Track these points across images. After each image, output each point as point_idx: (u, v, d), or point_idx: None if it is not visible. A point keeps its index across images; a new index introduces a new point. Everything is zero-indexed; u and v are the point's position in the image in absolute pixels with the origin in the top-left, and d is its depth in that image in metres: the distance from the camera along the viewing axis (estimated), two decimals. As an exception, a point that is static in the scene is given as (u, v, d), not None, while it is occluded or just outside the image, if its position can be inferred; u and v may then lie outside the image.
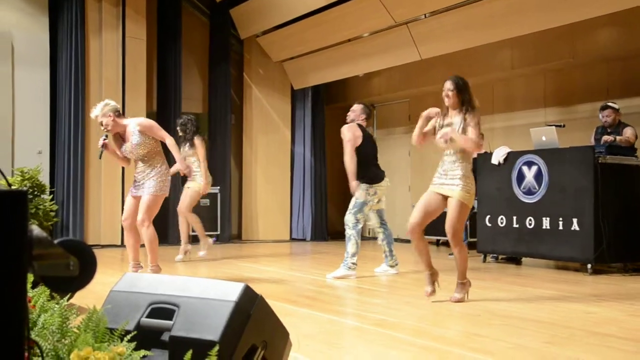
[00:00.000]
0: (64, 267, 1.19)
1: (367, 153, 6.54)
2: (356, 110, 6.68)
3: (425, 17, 9.07)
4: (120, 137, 5.86)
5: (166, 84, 10.55)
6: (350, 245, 6.35)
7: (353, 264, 6.33)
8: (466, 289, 4.93)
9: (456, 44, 8.83)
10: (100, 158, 5.96)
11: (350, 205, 6.45)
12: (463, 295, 4.90)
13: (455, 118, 4.88)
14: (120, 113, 5.86)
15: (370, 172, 6.52)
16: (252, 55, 11.59)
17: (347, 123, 6.63)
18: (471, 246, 8.50)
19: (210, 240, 8.13)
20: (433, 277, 4.97)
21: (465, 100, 4.85)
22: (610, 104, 7.37)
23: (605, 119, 7.32)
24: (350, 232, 6.39)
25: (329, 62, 10.86)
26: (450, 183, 4.82)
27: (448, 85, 4.91)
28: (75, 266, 1.22)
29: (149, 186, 5.73)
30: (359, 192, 6.40)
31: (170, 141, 5.85)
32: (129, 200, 5.91)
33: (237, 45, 11.62)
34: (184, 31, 10.76)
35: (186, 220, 7.99)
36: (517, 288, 5.72)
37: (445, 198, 4.85)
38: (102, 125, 5.73)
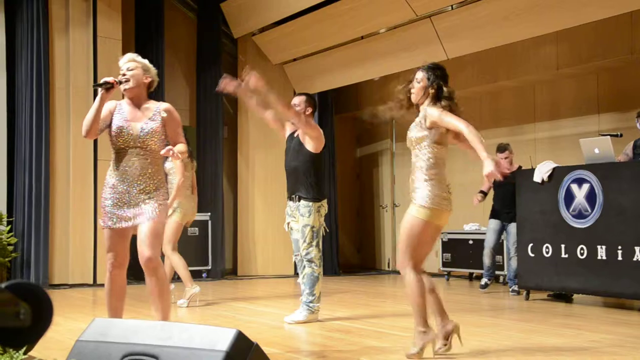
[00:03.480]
0: (12, 316, 1.16)
1: (321, 159, 6.36)
2: (300, 103, 6.45)
3: (452, 8, 9.09)
4: (120, 111, 4.98)
5: (146, 91, 10.56)
6: (318, 284, 6.17)
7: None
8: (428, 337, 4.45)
9: (489, 40, 8.83)
10: (95, 84, 5.11)
11: (307, 237, 6.10)
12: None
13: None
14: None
15: (322, 184, 6.30)
16: (248, 56, 11.62)
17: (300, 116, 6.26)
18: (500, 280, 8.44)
19: (197, 289, 7.45)
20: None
21: (433, 94, 4.49)
22: None
23: None
24: (318, 269, 6.15)
25: (338, 64, 10.89)
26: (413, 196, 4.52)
27: (418, 75, 4.57)
28: (27, 314, 1.19)
29: (150, 210, 4.45)
30: (309, 217, 6.09)
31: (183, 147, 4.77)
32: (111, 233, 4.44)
33: (229, 45, 11.67)
34: (166, 29, 10.81)
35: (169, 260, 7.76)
36: (568, 332, 5.65)
37: None
38: (123, 73, 4.96)
